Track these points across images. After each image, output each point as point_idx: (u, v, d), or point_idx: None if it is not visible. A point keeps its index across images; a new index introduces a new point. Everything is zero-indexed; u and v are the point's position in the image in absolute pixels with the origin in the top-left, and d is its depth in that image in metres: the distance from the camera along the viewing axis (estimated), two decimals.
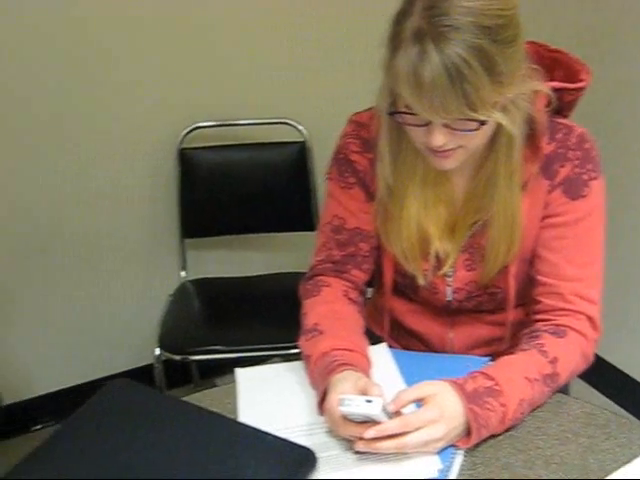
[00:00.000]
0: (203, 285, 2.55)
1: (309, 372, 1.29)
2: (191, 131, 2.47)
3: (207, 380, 2.78)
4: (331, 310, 1.37)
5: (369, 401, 1.05)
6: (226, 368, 2.77)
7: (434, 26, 1.09)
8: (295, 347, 2.11)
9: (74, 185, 2.43)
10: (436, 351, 1.52)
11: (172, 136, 2.46)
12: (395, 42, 1.14)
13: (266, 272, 2.62)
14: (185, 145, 2.47)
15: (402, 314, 1.54)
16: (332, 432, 1.15)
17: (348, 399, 1.06)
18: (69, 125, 2.36)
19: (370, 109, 1.41)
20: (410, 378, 1.28)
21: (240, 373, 1.35)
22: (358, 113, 1.45)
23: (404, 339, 1.57)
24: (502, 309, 1.44)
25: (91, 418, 1.14)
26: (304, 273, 2.50)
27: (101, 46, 2.31)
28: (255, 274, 2.61)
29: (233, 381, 1.34)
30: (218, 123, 2.50)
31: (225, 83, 2.51)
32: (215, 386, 1.42)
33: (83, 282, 2.56)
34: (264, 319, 2.34)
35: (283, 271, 2.60)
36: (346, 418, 1.09)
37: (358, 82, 2.66)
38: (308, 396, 1.27)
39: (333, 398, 1.12)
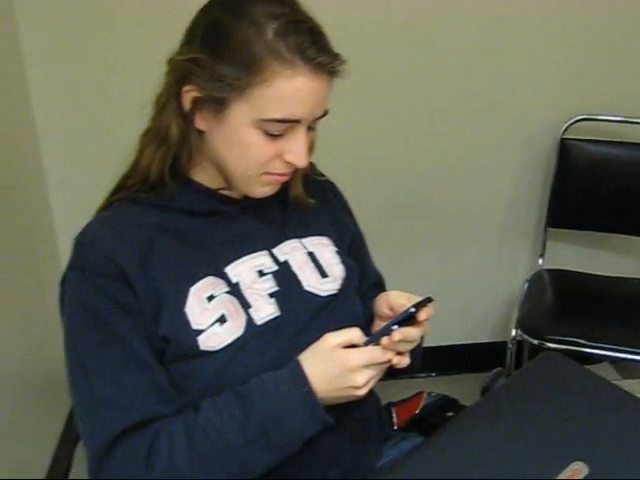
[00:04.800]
0: (559, 276, 2.55)
1: None
2: (576, 122, 2.45)
3: None
4: None
5: None
6: None
7: None
8: None
9: (449, 161, 2.52)
10: None
11: (556, 124, 2.46)
12: None
13: (623, 275, 2.56)
14: (568, 135, 2.46)
15: None
16: None
17: None
18: (450, 107, 2.44)
19: None
20: None
21: None
22: None
23: None
24: None
25: (525, 385, 1.21)
26: None
27: (488, 35, 2.37)
28: (610, 274, 2.56)
29: None
30: (605, 118, 2.46)
31: (622, 79, 2.46)
32: None
33: (443, 250, 2.67)
34: (622, 321, 2.29)
35: None
36: None
37: None
38: None
39: None
